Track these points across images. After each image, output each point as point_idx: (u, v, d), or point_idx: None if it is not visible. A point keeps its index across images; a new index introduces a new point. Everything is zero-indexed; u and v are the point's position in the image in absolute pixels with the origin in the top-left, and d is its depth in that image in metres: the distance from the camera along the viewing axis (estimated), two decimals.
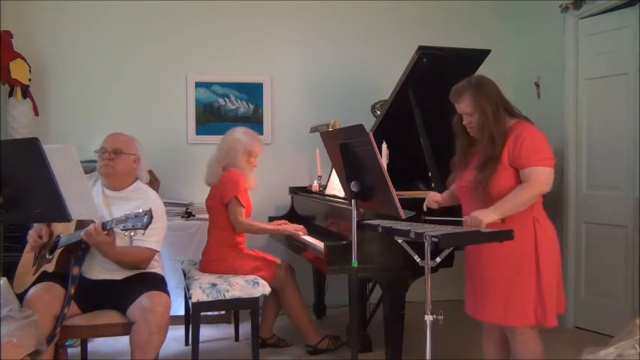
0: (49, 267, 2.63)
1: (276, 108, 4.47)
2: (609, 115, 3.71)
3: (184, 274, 3.35)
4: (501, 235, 2.04)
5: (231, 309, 3.64)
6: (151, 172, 3.19)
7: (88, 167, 2.68)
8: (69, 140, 3.42)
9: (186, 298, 3.28)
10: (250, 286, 3.04)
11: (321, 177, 3.97)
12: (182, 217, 3.93)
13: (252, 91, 4.43)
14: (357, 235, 2.37)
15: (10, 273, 2.68)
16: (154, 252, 2.73)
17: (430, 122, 3.14)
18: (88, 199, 2.17)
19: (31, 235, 2.72)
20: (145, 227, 2.26)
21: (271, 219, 3.91)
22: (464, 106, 2.36)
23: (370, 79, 4.43)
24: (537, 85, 4.31)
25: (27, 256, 2.84)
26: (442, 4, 4.61)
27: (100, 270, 2.67)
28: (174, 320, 3.06)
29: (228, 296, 2.98)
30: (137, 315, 2.49)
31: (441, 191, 2.70)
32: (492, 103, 2.32)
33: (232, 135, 3.34)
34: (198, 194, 3.85)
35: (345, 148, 2.34)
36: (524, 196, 2.23)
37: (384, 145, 3.15)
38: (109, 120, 4.12)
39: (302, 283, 3.47)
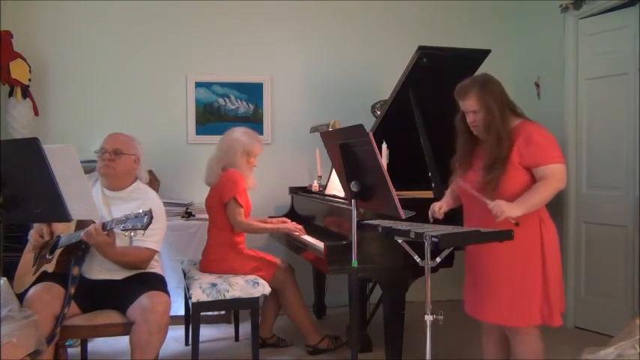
0: (49, 267, 2.63)
1: (276, 108, 4.47)
2: (609, 115, 3.71)
3: (184, 274, 3.35)
4: (501, 235, 2.04)
5: (231, 309, 3.64)
6: (150, 172, 3.19)
7: (88, 167, 2.68)
8: (69, 140, 3.41)
9: (186, 298, 3.28)
10: (250, 286, 3.04)
11: (321, 177, 3.97)
12: (182, 217, 3.93)
13: (252, 91, 4.43)
14: (357, 235, 2.37)
15: (10, 273, 2.68)
16: (154, 252, 2.73)
17: (430, 122, 3.14)
18: (88, 199, 2.17)
19: (32, 234, 2.72)
20: (145, 228, 2.26)
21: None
22: (469, 103, 2.33)
23: (370, 79, 4.43)
24: (537, 85, 4.31)
25: (27, 256, 2.84)
26: (442, 4, 4.61)
27: (100, 270, 2.67)
28: (174, 320, 3.06)
29: (228, 296, 2.98)
30: (137, 315, 2.49)
31: (440, 191, 2.69)
32: (498, 102, 2.30)
33: (231, 135, 3.33)
34: (198, 194, 3.85)
35: (345, 148, 2.34)
36: (544, 192, 2.22)
37: (384, 145, 3.15)
38: (109, 120, 4.12)
39: (302, 283, 3.47)
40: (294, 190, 4.14)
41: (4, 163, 1.98)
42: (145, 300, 2.51)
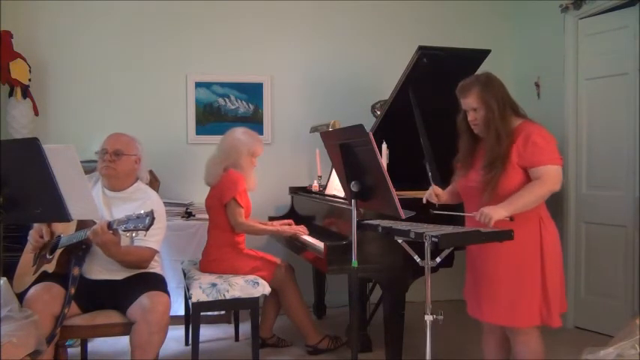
0: (49, 267, 2.63)
1: (276, 108, 4.47)
2: (609, 115, 3.71)
3: (184, 274, 3.35)
4: (502, 235, 2.04)
5: (231, 309, 3.64)
6: (151, 172, 3.19)
7: (88, 167, 2.68)
8: (69, 140, 3.38)
9: (186, 298, 3.28)
10: (250, 286, 3.04)
11: (321, 177, 3.97)
12: (182, 217, 3.93)
13: (252, 91, 4.43)
14: (357, 235, 2.37)
15: (10, 273, 2.68)
16: (155, 252, 2.73)
17: (430, 122, 3.14)
18: (88, 199, 2.16)
19: (32, 235, 2.72)
20: (147, 229, 2.26)
21: (271, 219, 3.91)
22: (470, 101, 2.33)
23: (370, 79, 4.43)
24: (537, 85, 4.31)
25: (27, 256, 2.84)
26: (442, 4, 4.61)
27: (100, 270, 2.67)
28: (174, 320, 3.07)
29: (228, 296, 2.98)
30: (137, 315, 2.50)
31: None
32: (499, 100, 2.30)
33: (233, 135, 3.33)
34: (198, 194, 3.85)
35: (345, 148, 2.34)
36: (536, 193, 2.21)
37: (384, 145, 3.15)
38: (109, 120, 4.13)
39: (302, 283, 3.47)
40: (294, 190, 4.14)
41: (4, 163, 1.98)
42: (145, 300, 2.51)
